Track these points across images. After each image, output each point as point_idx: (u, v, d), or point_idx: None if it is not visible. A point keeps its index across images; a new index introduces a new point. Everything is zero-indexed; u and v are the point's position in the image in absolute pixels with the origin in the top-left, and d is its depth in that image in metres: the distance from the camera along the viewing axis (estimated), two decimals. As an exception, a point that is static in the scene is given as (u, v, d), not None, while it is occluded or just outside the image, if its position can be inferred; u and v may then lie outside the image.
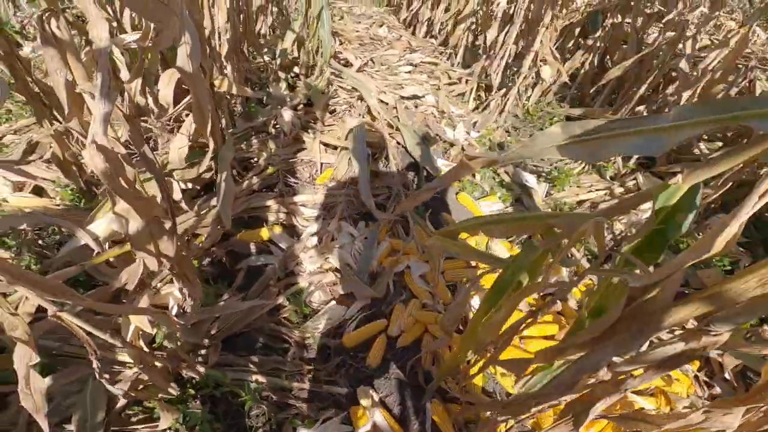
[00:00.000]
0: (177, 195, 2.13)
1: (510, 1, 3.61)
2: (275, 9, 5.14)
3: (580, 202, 3.02)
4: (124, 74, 2.37)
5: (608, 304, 1.05)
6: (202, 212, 2.24)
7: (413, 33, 6.86)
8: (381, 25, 7.08)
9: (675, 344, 0.74)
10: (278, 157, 2.82)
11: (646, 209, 2.81)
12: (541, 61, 3.27)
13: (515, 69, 3.81)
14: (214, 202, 2.33)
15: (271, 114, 2.98)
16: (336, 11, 7.66)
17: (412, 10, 7.03)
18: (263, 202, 2.50)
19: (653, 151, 0.82)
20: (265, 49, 3.99)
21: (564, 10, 3.01)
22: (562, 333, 2.08)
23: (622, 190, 3.12)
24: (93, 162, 0.98)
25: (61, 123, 2.26)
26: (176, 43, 1.53)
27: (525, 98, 3.72)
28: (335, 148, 3.00)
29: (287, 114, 2.99)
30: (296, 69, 3.98)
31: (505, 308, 1.15)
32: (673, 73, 3.45)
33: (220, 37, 2.69)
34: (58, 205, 2.47)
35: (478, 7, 4.45)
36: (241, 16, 3.18)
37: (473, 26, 4.72)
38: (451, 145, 3.39)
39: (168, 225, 1.28)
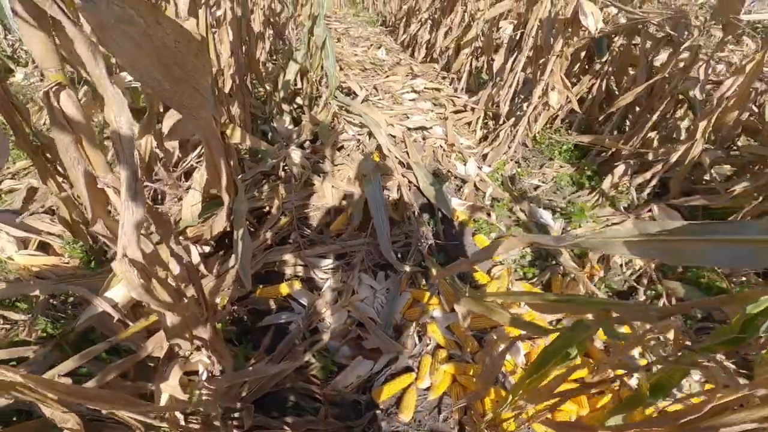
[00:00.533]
0: (196, 258, 2.06)
1: (516, 28, 3.58)
2: (271, 32, 5.12)
3: None
4: None
5: (670, 384, 1.02)
6: (221, 273, 2.17)
7: (412, 55, 6.87)
8: (379, 47, 7.10)
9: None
10: (290, 203, 2.76)
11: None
12: (551, 89, 3.23)
13: (522, 96, 3.77)
14: (231, 259, 2.27)
15: (279, 156, 2.91)
16: (333, 33, 7.69)
17: (410, 32, 7.03)
18: (280, 256, 2.46)
19: (749, 265, 0.76)
20: (266, 77, 3.94)
21: (575, 38, 2.97)
22: (592, 377, 2.01)
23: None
24: (125, 277, 0.90)
25: (65, 179, 2.18)
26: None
27: (534, 128, 3.66)
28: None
29: (296, 155, 2.94)
30: (299, 100, 3.94)
31: (555, 380, 1.10)
32: (680, 96, 3.43)
33: (223, 72, 2.65)
34: (68, 262, 2.39)
35: (481, 32, 4.43)
36: (243, 47, 3.13)
37: (477, 51, 4.70)
38: (464, 181, 3.36)
39: (204, 316, 1.20)
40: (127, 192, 0.90)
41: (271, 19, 5.19)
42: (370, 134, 3.40)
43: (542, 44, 3.22)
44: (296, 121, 3.74)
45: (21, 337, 1.86)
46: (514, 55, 3.57)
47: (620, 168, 3.29)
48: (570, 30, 2.94)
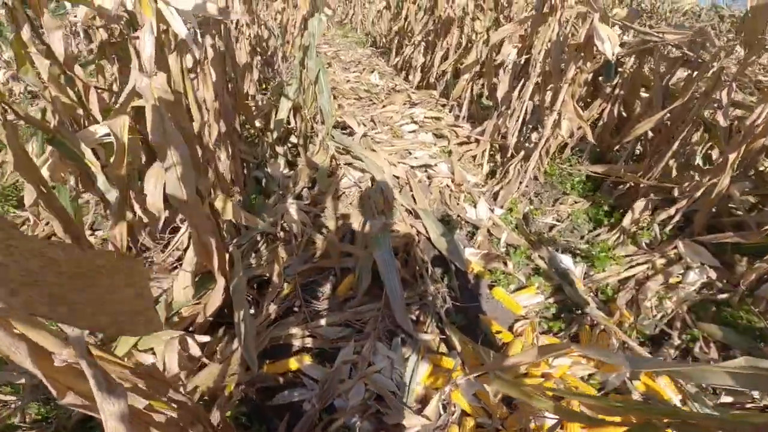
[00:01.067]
0: (196, 351, 1.88)
1: (521, 52, 3.39)
2: (259, 59, 4.92)
3: (624, 281, 2.77)
4: (101, 182, 2.06)
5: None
6: (224, 359, 1.97)
7: (407, 78, 6.72)
8: (372, 71, 6.95)
9: None
10: (292, 268, 2.56)
11: (693, 282, 2.65)
12: (563, 118, 3.04)
13: (531, 126, 3.57)
14: (234, 342, 2.09)
15: (276, 213, 2.69)
16: (323, 58, 7.54)
17: (403, 54, 6.88)
18: (286, 330, 2.26)
19: None
20: (257, 114, 3.72)
21: (589, 63, 2.78)
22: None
23: (663, 260, 2.87)
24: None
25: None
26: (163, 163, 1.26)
27: (546, 160, 3.47)
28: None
29: (294, 210, 2.74)
30: (293, 139, 3.73)
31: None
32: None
33: (208, 120, 2.42)
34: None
35: (482, 57, 4.25)
36: (229, 84, 2.90)
37: (477, 76, 4.52)
38: (475, 227, 3.18)
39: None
40: (97, 390, 0.68)
41: (258, 48, 5.02)
42: (373, 180, 3.18)
43: (552, 70, 3.03)
44: (291, 164, 3.54)
45: (14, 422, 1.78)
46: (521, 82, 3.38)
47: (641, 203, 3.11)
48: (583, 55, 2.74)
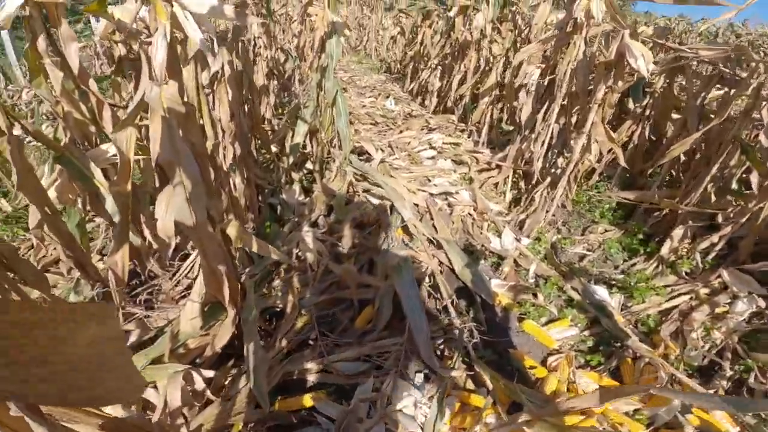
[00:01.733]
0: (200, 385, 1.80)
1: (544, 73, 3.35)
2: (276, 83, 4.98)
3: (665, 312, 2.65)
4: (110, 204, 2.01)
5: None
6: (231, 395, 1.88)
7: (423, 104, 6.76)
8: (387, 97, 7.01)
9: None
10: (307, 298, 2.49)
11: (742, 311, 2.51)
12: (593, 142, 2.96)
13: (557, 151, 3.50)
14: (243, 376, 2.00)
15: (291, 241, 2.63)
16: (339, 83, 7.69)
17: (419, 79, 6.95)
18: (300, 365, 2.17)
19: None
20: (272, 138, 3.72)
21: (620, 82, 2.71)
22: None
23: (707, 290, 2.74)
24: None
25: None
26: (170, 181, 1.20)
27: (574, 187, 3.38)
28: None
29: (310, 239, 2.69)
30: (309, 164, 3.71)
31: None
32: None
33: (223, 140, 2.39)
34: None
35: (501, 79, 4.24)
36: (246, 106, 2.89)
37: (497, 100, 4.51)
38: (501, 257, 3.10)
39: None
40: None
41: (275, 71, 5.10)
42: (393, 207, 3.11)
43: (578, 91, 2.97)
44: (307, 191, 3.52)
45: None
46: (545, 105, 3.33)
47: (679, 231, 3.01)
48: (613, 74, 2.68)
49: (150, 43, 1.16)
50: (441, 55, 5.95)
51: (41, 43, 1.68)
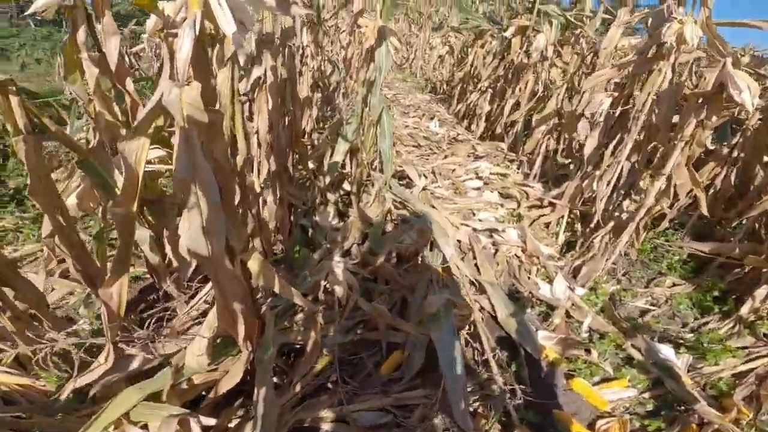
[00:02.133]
0: None
1: (615, 103, 3.09)
2: (319, 96, 4.90)
3: (740, 375, 2.43)
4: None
5: None
6: None
7: (469, 128, 6.60)
8: (432, 118, 6.87)
9: None
10: (331, 336, 2.32)
11: None
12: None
13: (623, 192, 3.21)
14: (249, 423, 1.81)
15: (320, 270, 2.46)
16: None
17: (467, 101, 6.78)
18: (315, 412, 2.00)
19: None
20: (312, 154, 3.59)
21: (714, 117, 2.42)
22: None
23: (790, 353, 2.51)
24: None
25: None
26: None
27: (643, 235, 3.10)
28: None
29: (340, 270, 2.53)
30: (346, 185, 3.55)
31: None
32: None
33: (258, 152, 2.24)
34: (44, 385, 2.00)
35: (561, 107, 4.00)
36: (286, 118, 2.75)
37: (555, 130, 4.26)
38: (550, 306, 2.88)
39: None
40: None
41: (320, 83, 5.04)
42: (434, 242, 2.90)
43: (659, 125, 2.70)
44: (341, 214, 3.39)
45: None
46: (615, 139, 3.07)
47: (763, 290, 2.70)
48: (707, 107, 2.40)
49: (175, 35, 1.02)
50: (493, 77, 5.78)
51: (81, 35, 1.60)
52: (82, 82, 1.75)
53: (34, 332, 1.58)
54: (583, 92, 3.46)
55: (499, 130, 5.58)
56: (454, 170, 4.54)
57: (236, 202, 1.60)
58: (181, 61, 0.98)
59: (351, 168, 3.31)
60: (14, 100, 1.53)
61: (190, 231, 1.05)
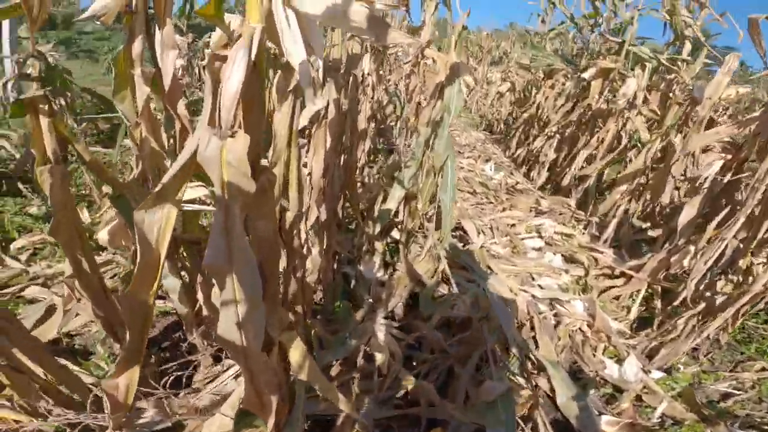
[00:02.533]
0: None
1: (726, 167, 2.77)
2: (373, 126, 4.76)
3: None
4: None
5: None
6: None
7: (528, 175, 6.29)
8: (487, 161, 6.64)
9: None
10: (367, 410, 2.13)
11: None
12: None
13: (720, 270, 2.89)
14: None
15: (361, 333, 2.27)
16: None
17: (528, 146, 6.51)
18: None
19: None
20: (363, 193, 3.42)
21: None
22: None
23: None
24: None
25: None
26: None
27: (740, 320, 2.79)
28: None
29: (383, 335, 2.37)
30: (395, 233, 3.34)
31: None
32: None
33: (309, 201, 2.05)
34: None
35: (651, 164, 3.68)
36: (342, 156, 2.57)
37: (639, 190, 3.92)
38: (618, 388, 2.64)
39: None
40: None
41: (378, 115, 4.91)
42: (492, 313, 2.63)
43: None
44: (387, 264, 3.21)
45: None
46: (723, 210, 2.76)
47: None
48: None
49: (223, 58, 0.78)
50: (563, 122, 5.48)
51: (137, 46, 1.46)
52: (132, 101, 1.60)
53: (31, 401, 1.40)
54: (688, 151, 3.15)
55: (565, 182, 5.27)
56: (513, 225, 4.29)
57: (279, 279, 1.40)
58: (228, 99, 0.76)
59: (403, 215, 3.11)
60: (44, 121, 1.41)
61: (224, 323, 0.85)
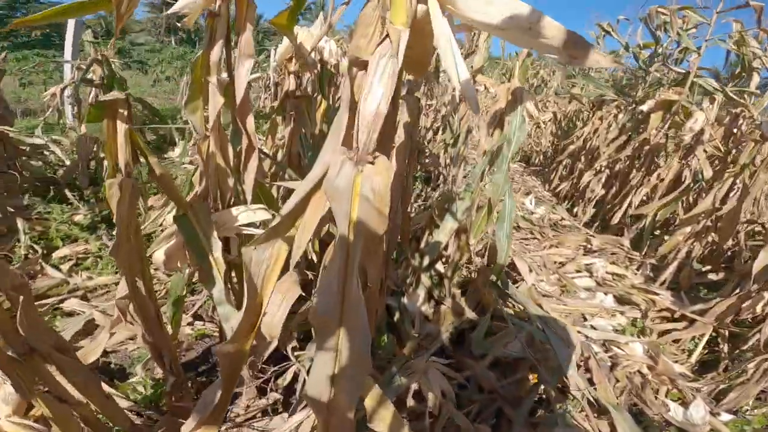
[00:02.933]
0: None
1: None
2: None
3: None
4: (218, 291, 1.68)
5: None
6: None
7: (571, 210, 6.15)
8: (528, 194, 6.54)
9: None
10: None
11: None
12: None
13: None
14: None
15: (410, 371, 2.21)
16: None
17: (572, 180, 6.38)
18: None
19: None
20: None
21: None
22: None
23: None
24: None
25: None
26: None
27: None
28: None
29: (434, 375, 2.28)
30: (439, 265, 3.27)
31: None
32: None
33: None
34: None
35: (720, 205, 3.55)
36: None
37: (704, 232, 3.79)
38: None
39: None
40: None
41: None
42: (548, 354, 2.55)
43: None
44: (430, 296, 3.09)
45: None
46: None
47: None
48: None
49: (363, 67, 0.67)
50: (614, 157, 5.36)
51: (216, 52, 1.40)
52: (203, 111, 1.56)
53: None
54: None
55: (615, 219, 5.11)
56: (562, 264, 4.20)
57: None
58: (367, 118, 0.64)
59: (451, 249, 3.05)
60: (122, 128, 1.34)
61: (316, 376, 0.75)
